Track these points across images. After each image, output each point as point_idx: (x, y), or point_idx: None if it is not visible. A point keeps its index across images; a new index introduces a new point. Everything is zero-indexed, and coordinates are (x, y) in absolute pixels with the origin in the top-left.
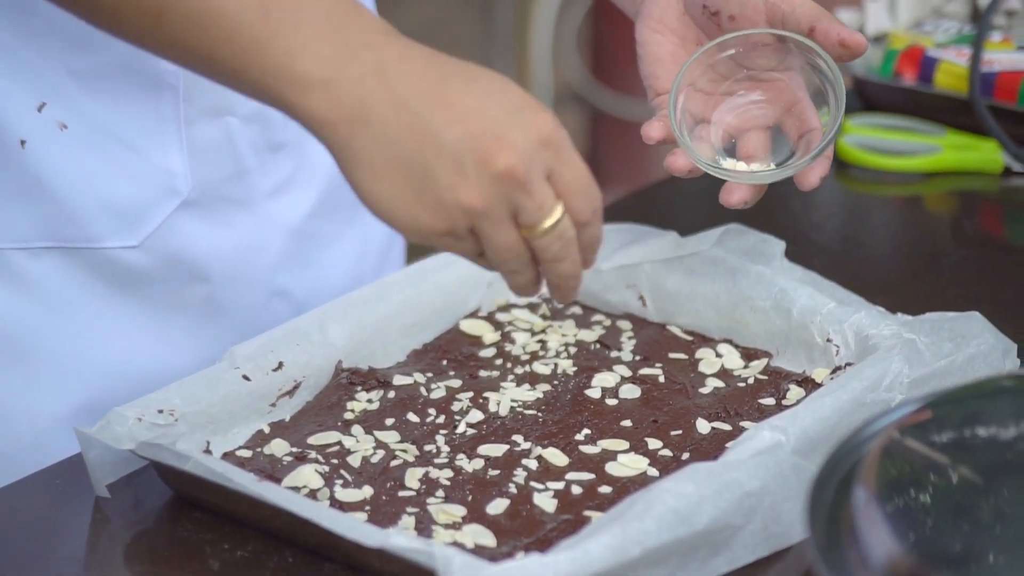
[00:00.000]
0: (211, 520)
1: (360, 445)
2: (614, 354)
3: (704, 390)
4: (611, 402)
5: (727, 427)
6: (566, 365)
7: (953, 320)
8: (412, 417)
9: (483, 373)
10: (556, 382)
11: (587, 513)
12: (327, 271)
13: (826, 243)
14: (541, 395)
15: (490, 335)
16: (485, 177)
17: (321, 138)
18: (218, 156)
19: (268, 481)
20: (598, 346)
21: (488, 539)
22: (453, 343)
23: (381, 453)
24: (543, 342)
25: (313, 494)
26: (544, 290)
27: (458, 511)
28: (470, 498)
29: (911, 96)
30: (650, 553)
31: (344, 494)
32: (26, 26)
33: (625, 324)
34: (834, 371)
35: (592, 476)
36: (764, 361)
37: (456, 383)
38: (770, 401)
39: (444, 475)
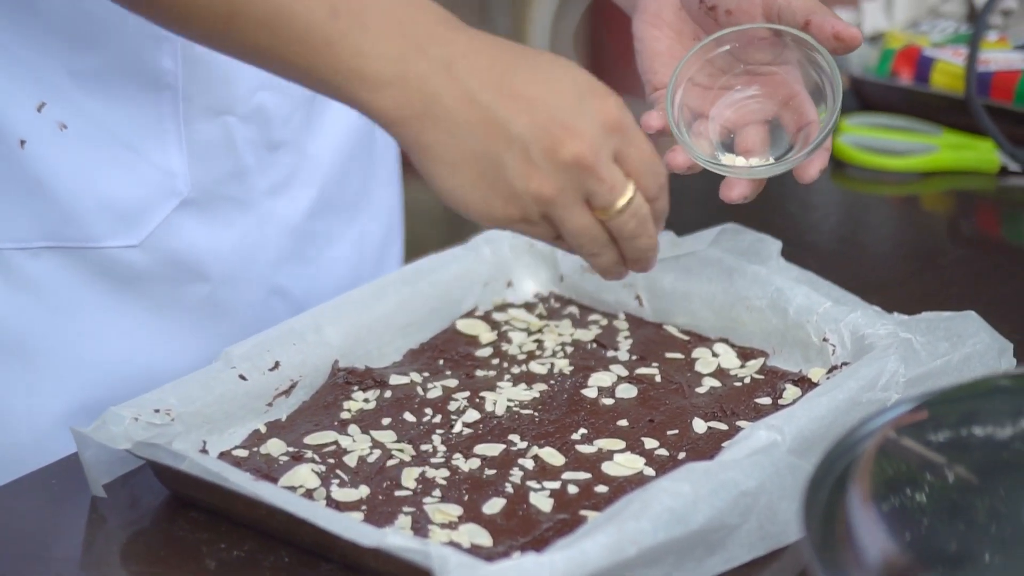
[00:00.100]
0: (207, 520)
1: (356, 445)
2: (610, 354)
3: (700, 389)
4: (607, 402)
5: (723, 426)
6: (562, 365)
7: (949, 319)
8: (408, 417)
9: (479, 373)
10: (552, 382)
11: (583, 513)
12: (326, 270)
13: (823, 243)
14: (537, 395)
15: (486, 335)
16: (554, 166)
17: (393, 134)
18: (217, 155)
19: (264, 481)
20: (595, 346)
21: (484, 539)
22: (450, 343)
23: (377, 453)
24: (540, 342)
25: (309, 494)
26: (542, 289)
27: (454, 511)
28: (466, 498)
29: (907, 96)
30: (646, 553)
31: (340, 494)
32: (26, 26)
33: (622, 324)
34: (830, 370)
35: (588, 476)
36: (760, 360)
37: (452, 383)
38: (766, 400)
39: (440, 475)
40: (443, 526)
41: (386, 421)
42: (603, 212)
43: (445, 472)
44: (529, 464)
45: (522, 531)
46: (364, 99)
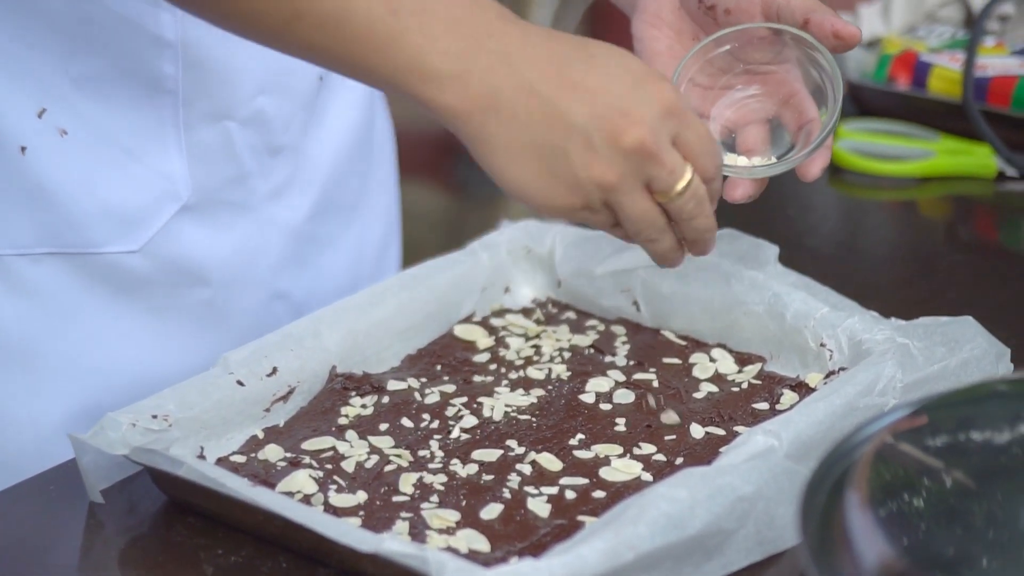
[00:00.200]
0: (205, 525)
1: (354, 450)
2: (608, 359)
3: (698, 395)
4: (605, 407)
5: (721, 432)
6: (560, 370)
7: (946, 325)
8: (406, 422)
9: (477, 378)
10: (550, 387)
11: (581, 518)
12: (325, 274)
13: (820, 248)
14: (535, 400)
15: (484, 340)
16: (616, 153)
17: (454, 128)
18: (217, 160)
19: (262, 486)
20: (592, 351)
21: (482, 544)
22: (447, 348)
23: (375, 458)
24: (537, 347)
25: (307, 499)
26: (540, 294)
27: (452, 516)
28: (464, 503)
29: (905, 101)
30: (643, 558)
31: (338, 499)
32: (27, 32)
33: (619, 329)
34: (828, 376)
35: (586, 481)
36: (758, 366)
37: (450, 388)
38: (764, 406)
39: (438, 480)
40: (441, 531)
41: (384, 427)
42: (663, 196)
43: (443, 477)
44: (527, 469)
45: (520, 536)
46: (426, 95)
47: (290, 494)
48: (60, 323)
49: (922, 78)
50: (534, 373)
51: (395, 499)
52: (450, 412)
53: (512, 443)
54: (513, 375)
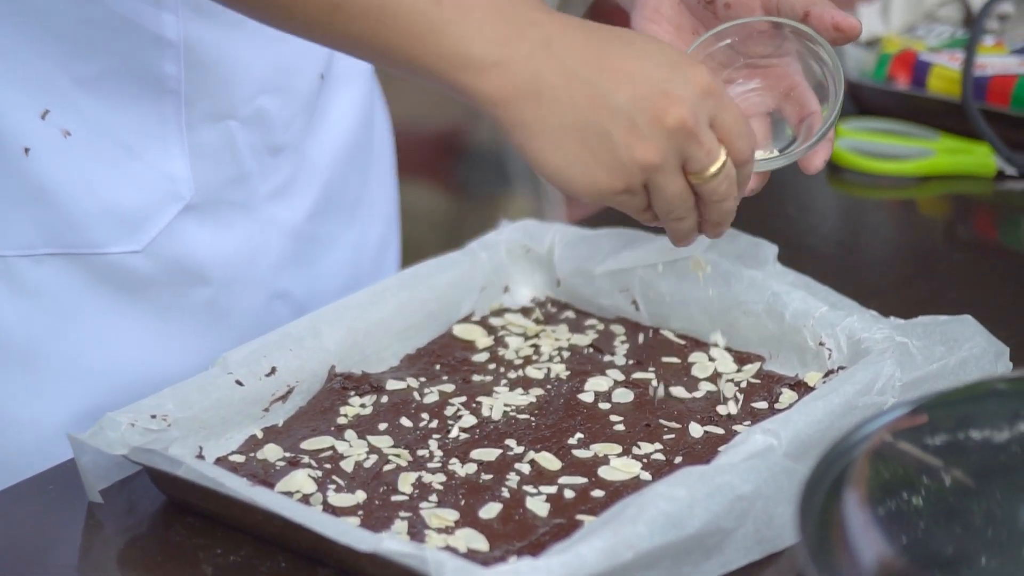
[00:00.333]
0: (204, 525)
1: (353, 450)
2: (607, 358)
3: (697, 394)
4: (604, 406)
5: (720, 431)
6: (559, 369)
7: (945, 323)
8: (405, 422)
9: (476, 378)
10: (549, 386)
11: (580, 517)
12: (326, 273)
13: (819, 247)
14: (534, 399)
15: (483, 340)
16: (659, 132)
17: (494, 116)
18: (219, 160)
19: (261, 486)
20: (591, 350)
21: (481, 543)
22: (446, 348)
23: (374, 458)
24: (536, 346)
25: (306, 499)
26: (539, 294)
27: (451, 515)
28: (463, 502)
29: (904, 100)
30: (642, 557)
31: (337, 499)
32: (30, 34)
33: (618, 328)
34: (827, 375)
35: (585, 480)
36: (757, 365)
37: (449, 388)
38: (763, 405)
39: (437, 479)
40: (439, 531)
41: (383, 426)
42: (697, 176)
43: (442, 477)
44: (526, 469)
45: (519, 536)
46: (467, 83)
47: (289, 494)
48: (62, 324)
49: (921, 77)
50: (533, 372)
51: (394, 498)
52: (449, 411)
53: (511, 442)
54: (512, 374)
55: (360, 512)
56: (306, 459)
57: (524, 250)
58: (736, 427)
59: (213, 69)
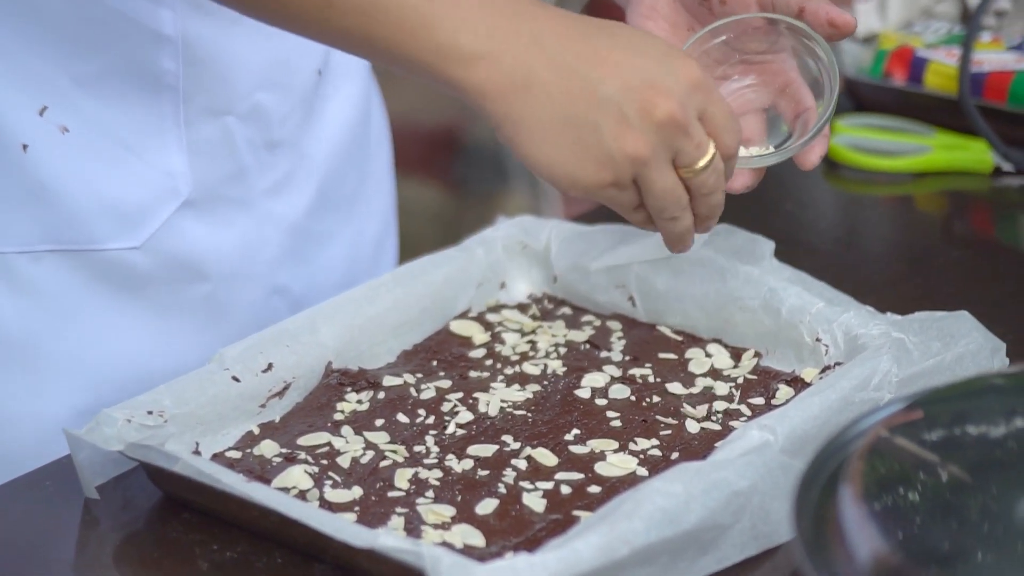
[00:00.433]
0: (200, 521)
1: (350, 446)
2: (604, 354)
3: (694, 390)
4: (600, 402)
5: (716, 427)
6: (556, 365)
7: (942, 319)
8: (402, 418)
9: (473, 374)
10: (546, 382)
11: (576, 513)
12: (324, 269)
13: (816, 243)
14: (531, 395)
15: (480, 336)
16: (648, 124)
17: (484, 109)
18: (217, 156)
19: (257, 482)
20: (588, 346)
21: (477, 539)
22: (443, 344)
23: (371, 454)
24: (533, 343)
25: (302, 495)
26: (535, 290)
27: (447, 511)
28: (459, 498)
29: (901, 96)
30: (638, 553)
31: (333, 495)
32: (28, 31)
33: (615, 324)
34: (823, 370)
35: (581, 476)
36: (753, 361)
37: (446, 384)
38: (759, 400)
39: (433, 475)
40: (436, 527)
41: (379, 422)
42: (687, 170)
43: (438, 473)
44: (522, 465)
45: (515, 531)
46: (457, 76)
47: (285, 490)
48: (61, 321)
49: (918, 73)
50: (530, 368)
51: (390, 494)
52: (446, 408)
53: (507, 438)
54: (509, 370)
55: (356, 508)
56: (302, 455)
57: (521, 246)
58: (732, 423)
59: (211, 65)
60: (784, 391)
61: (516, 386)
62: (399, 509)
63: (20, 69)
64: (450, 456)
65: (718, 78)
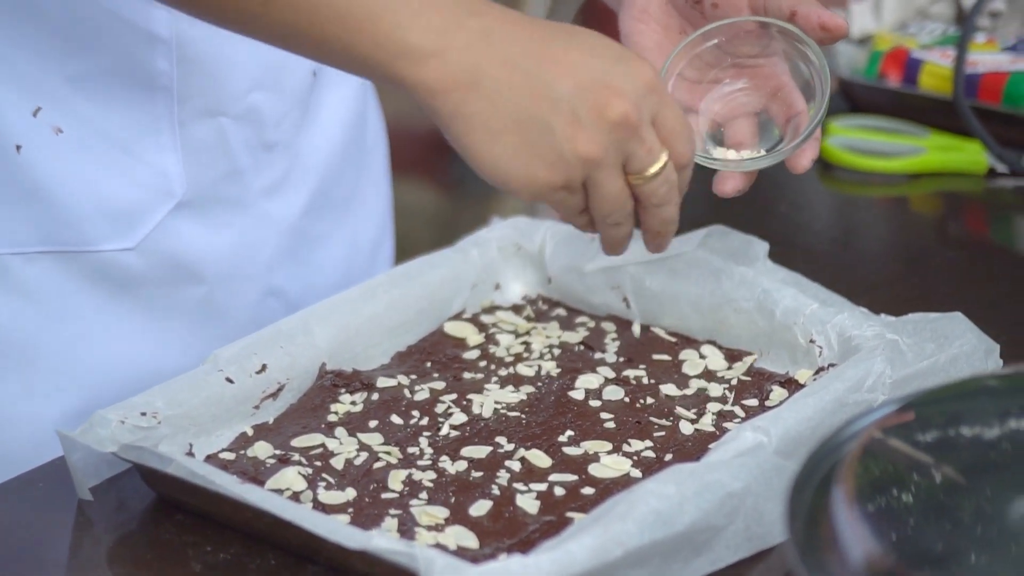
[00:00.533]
0: (194, 522)
1: (343, 447)
2: (598, 356)
3: (688, 391)
4: (594, 403)
5: (710, 428)
6: (550, 367)
7: (936, 321)
8: (396, 419)
9: (467, 375)
10: (540, 384)
11: (570, 514)
12: (320, 270)
13: (810, 244)
14: (525, 397)
15: (474, 337)
16: (601, 126)
17: (432, 107)
18: (212, 156)
19: (251, 483)
20: (582, 348)
21: (471, 541)
22: (437, 345)
23: (364, 455)
24: (527, 344)
25: (296, 496)
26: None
27: (441, 513)
28: (453, 500)
29: (896, 97)
30: (632, 554)
31: (327, 496)
32: (22, 32)
33: (609, 325)
34: (817, 372)
35: (575, 477)
36: (747, 362)
37: (440, 385)
38: (753, 402)
39: (427, 477)
40: (429, 528)
41: (373, 424)
42: (637, 177)
43: (432, 474)
44: (516, 466)
45: (508, 533)
46: (405, 73)
47: (279, 491)
48: (55, 322)
49: (913, 74)
50: (524, 370)
51: (384, 496)
52: (440, 409)
53: (501, 440)
54: (503, 372)
55: (350, 510)
56: (296, 456)
57: (515, 247)
58: (726, 424)
59: (205, 65)
60: (778, 392)
61: (510, 387)
62: (393, 511)
63: (14, 70)
64: (444, 457)
65: (710, 81)
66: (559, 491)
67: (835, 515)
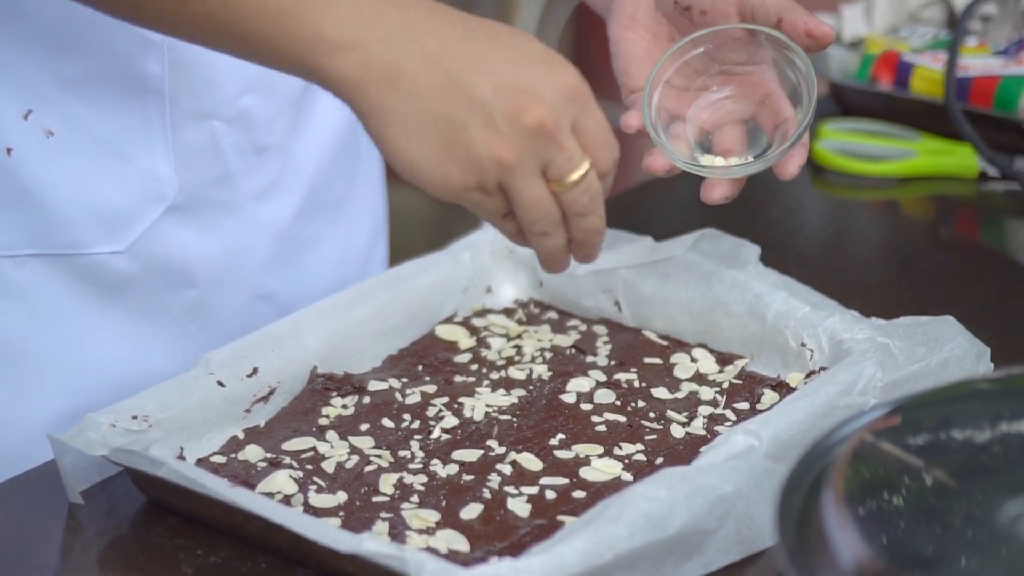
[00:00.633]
0: (185, 526)
1: (334, 451)
2: (589, 359)
3: (679, 395)
4: (586, 407)
5: (701, 432)
6: (541, 370)
7: (927, 324)
8: (387, 423)
9: (458, 378)
10: (531, 387)
11: (561, 518)
12: (312, 274)
13: (802, 248)
14: (516, 400)
15: (466, 340)
16: (517, 130)
17: (349, 100)
18: (204, 160)
19: (242, 487)
20: (573, 351)
21: (462, 544)
22: (429, 348)
23: (355, 459)
24: (519, 347)
25: (287, 500)
26: (521, 294)
27: (432, 516)
28: (444, 503)
29: (887, 101)
30: (622, 558)
31: (318, 500)
32: (12, 34)
33: (600, 329)
34: (808, 375)
35: (566, 481)
36: (739, 366)
37: (431, 388)
38: (744, 405)
39: (418, 480)
40: (420, 532)
41: (364, 427)
42: (558, 184)
43: (423, 478)
44: (507, 469)
45: (499, 536)
46: (322, 64)
47: (270, 495)
48: (45, 325)
49: (904, 78)
50: (515, 373)
51: (375, 499)
52: (431, 412)
53: (492, 443)
54: (494, 375)
55: (341, 513)
56: (287, 460)
57: (507, 251)
58: (718, 428)
59: (197, 69)
60: (769, 396)
61: (501, 391)
62: (384, 514)
63: (5, 72)
64: (435, 461)
65: (698, 89)
66: (550, 494)
67: (825, 518)
